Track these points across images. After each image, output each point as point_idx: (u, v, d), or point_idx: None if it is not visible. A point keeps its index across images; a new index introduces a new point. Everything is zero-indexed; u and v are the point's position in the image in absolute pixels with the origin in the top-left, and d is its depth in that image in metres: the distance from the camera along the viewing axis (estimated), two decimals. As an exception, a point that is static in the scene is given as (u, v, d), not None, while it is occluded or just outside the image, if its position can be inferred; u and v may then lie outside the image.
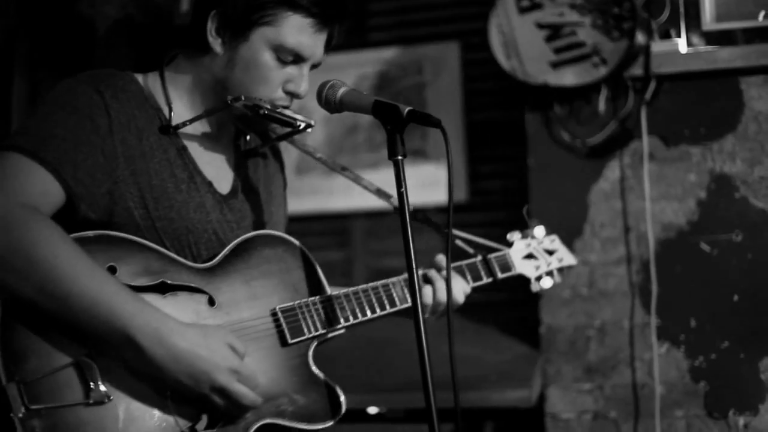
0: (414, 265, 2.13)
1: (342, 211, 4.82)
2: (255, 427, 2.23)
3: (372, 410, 4.14)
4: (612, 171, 4.07)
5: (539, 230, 2.90)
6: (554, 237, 2.94)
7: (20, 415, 2.02)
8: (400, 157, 2.16)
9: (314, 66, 2.39)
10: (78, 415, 2.06)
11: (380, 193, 2.77)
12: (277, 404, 2.28)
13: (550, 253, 2.90)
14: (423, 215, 2.80)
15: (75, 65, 4.26)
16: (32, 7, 4.33)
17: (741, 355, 3.86)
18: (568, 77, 3.95)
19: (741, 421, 3.85)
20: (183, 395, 2.15)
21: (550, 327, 4.12)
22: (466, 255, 2.76)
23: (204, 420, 2.18)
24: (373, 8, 4.90)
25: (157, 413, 2.13)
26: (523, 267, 2.82)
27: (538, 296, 4.13)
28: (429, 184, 4.68)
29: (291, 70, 2.35)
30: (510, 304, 4.39)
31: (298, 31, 2.31)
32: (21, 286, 2.04)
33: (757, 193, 3.88)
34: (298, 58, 2.34)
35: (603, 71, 3.88)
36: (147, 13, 4.49)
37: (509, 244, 2.84)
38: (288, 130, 2.43)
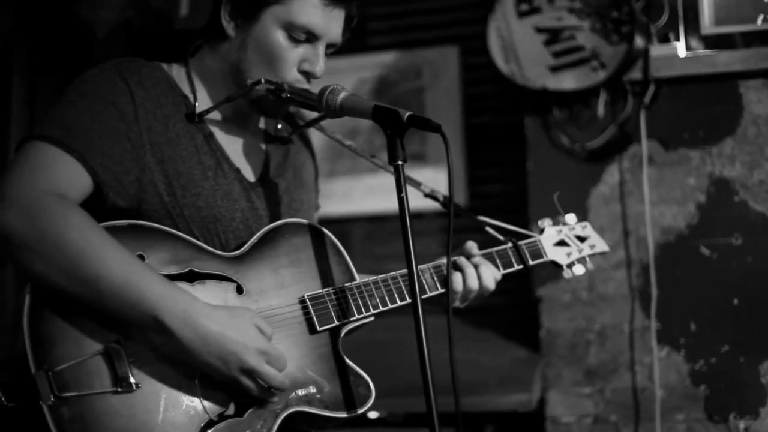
0: (415, 269, 2.13)
1: (341, 215, 4.82)
2: (284, 414, 2.22)
3: (372, 415, 4.14)
4: (611, 175, 4.07)
5: (570, 217, 2.88)
6: (586, 224, 2.91)
7: (49, 402, 2.02)
8: (400, 162, 2.16)
9: (330, 46, 2.39)
10: (107, 403, 2.06)
11: (411, 180, 2.75)
12: (306, 392, 2.28)
13: (582, 240, 2.87)
14: (455, 204, 2.77)
15: (74, 69, 4.25)
16: (31, 10, 4.32)
17: (741, 358, 3.86)
18: (567, 81, 3.95)
19: (741, 424, 3.85)
20: (211, 382, 2.15)
21: (550, 331, 4.12)
22: (496, 242, 2.72)
23: (232, 408, 2.18)
24: (373, 12, 4.90)
25: (185, 401, 2.13)
26: (554, 254, 2.79)
27: (538, 300, 4.13)
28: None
29: (305, 49, 2.34)
30: (510, 308, 4.39)
31: (309, 8, 2.31)
32: (50, 272, 2.05)
33: (756, 197, 3.88)
34: (311, 37, 2.33)
35: (602, 75, 3.88)
36: (146, 17, 4.49)
37: (540, 231, 2.81)
38: (315, 115, 2.42)
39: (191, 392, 2.14)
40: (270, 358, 2.16)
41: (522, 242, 2.73)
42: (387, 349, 4.01)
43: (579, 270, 2.83)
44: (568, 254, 2.82)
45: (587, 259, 2.87)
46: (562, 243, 2.82)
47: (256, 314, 2.20)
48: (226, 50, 2.37)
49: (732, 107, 3.92)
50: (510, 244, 2.71)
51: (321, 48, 2.36)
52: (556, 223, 2.85)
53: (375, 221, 4.80)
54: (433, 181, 4.64)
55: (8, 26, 4.29)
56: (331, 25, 2.35)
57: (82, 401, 2.05)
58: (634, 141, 4.03)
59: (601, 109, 4.07)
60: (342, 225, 4.89)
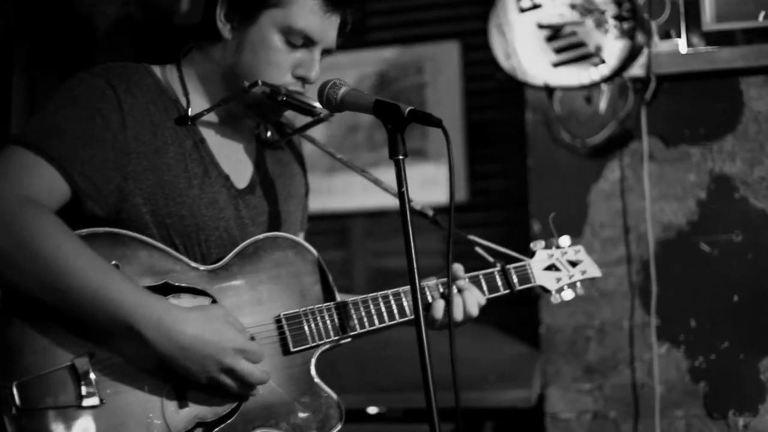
0: (415, 265, 2.13)
1: (341, 211, 4.82)
2: None
3: (372, 410, 4.14)
4: (612, 171, 4.07)
5: (564, 240, 2.81)
6: (579, 248, 2.85)
7: (11, 414, 2.01)
8: (401, 157, 2.15)
9: (326, 52, 2.37)
10: (69, 418, 2.05)
11: (403, 195, 2.74)
12: (275, 413, 2.26)
13: (574, 264, 2.81)
14: (435, 218, 2.76)
15: (75, 64, 4.25)
16: (32, 5, 4.32)
17: (741, 355, 3.86)
18: (569, 77, 3.94)
19: (741, 421, 3.85)
20: (178, 401, 2.14)
21: (549, 327, 4.12)
22: (485, 262, 2.68)
23: (198, 429, 2.16)
24: (374, 8, 4.90)
25: (150, 419, 2.12)
26: (543, 279, 2.73)
27: (538, 296, 4.13)
28: (429, 183, 4.68)
29: (301, 54, 2.33)
30: (510, 304, 4.38)
31: (307, 12, 2.29)
32: (23, 279, 2.04)
33: (756, 194, 3.88)
34: (308, 42, 2.32)
35: (603, 71, 3.88)
36: (147, 12, 4.49)
37: (531, 254, 2.75)
38: (308, 120, 2.41)
39: (156, 410, 2.13)
40: (247, 355, 2.15)
41: (511, 266, 2.67)
42: (388, 344, 4.01)
43: (568, 295, 2.77)
44: (558, 279, 2.76)
45: (578, 284, 2.81)
46: (552, 267, 2.77)
47: (228, 311, 2.18)
48: (220, 52, 2.35)
49: (733, 104, 3.92)
50: (498, 267, 2.65)
51: (317, 53, 2.35)
52: (548, 246, 2.79)
53: (375, 217, 4.80)
54: (433, 177, 4.68)
55: (9, 21, 4.29)
56: (328, 30, 2.34)
57: (45, 414, 2.04)
58: (634, 137, 4.03)
59: (602, 106, 4.07)
60: (342, 221, 4.89)
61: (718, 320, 3.90)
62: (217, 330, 2.12)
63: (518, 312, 4.35)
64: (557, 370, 4.10)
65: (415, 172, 4.60)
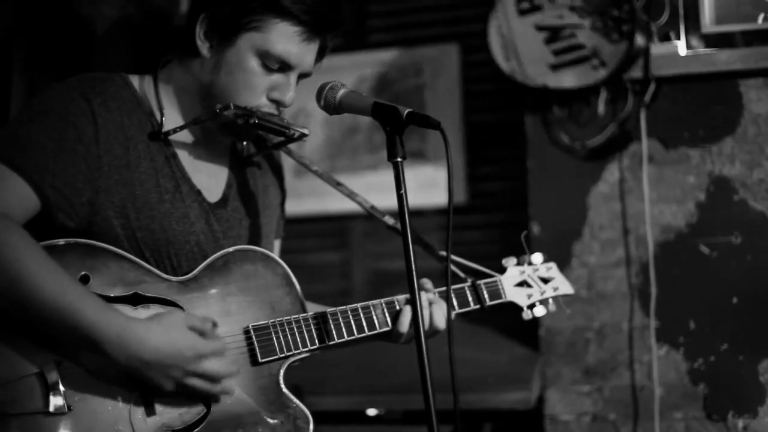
0: (413, 267, 2.13)
1: (340, 213, 4.81)
2: None
3: (370, 412, 4.14)
4: (611, 173, 4.07)
5: (537, 257, 2.82)
6: (551, 265, 2.86)
7: None
8: (399, 159, 2.15)
9: (303, 75, 2.37)
10: (38, 424, 2.05)
11: (374, 210, 2.74)
12: (243, 423, 2.26)
13: (546, 281, 2.82)
14: (419, 238, 2.75)
15: (74, 65, 4.25)
16: (31, 6, 4.32)
17: (740, 357, 3.86)
18: (568, 79, 3.95)
19: (740, 423, 3.85)
20: (145, 408, 2.14)
21: (549, 329, 4.12)
22: (457, 277, 2.68)
23: None
24: (373, 10, 4.90)
25: (118, 426, 2.12)
26: (513, 294, 2.75)
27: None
28: (428, 185, 4.67)
29: (277, 77, 2.32)
30: (509, 306, 4.38)
31: (285, 38, 2.28)
32: None
33: (756, 196, 3.88)
34: (284, 66, 2.31)
35: (602, 73, 3.88)
36: (146, 14, 4.48)
37: (503, 270, 2.77)
38: (281, 138, 2.41)
39: (123, 418, 2.13)
40: (210, 355, 2.15)
41: (481, 282, 2.68)
42: (386, 346, 4.00)
43: (540, 311, 2.78)
44: (529, 296, 2.77)
45: (550, 300, 2.82)
46: (523, 283, 2.78)
47: (188, 313, 2.19)
48: (197, 69, 2.35)
49: (732, 106, 3.92)
50: (469, 283, 2.66)
51: (293, 77, 2.34)
52: (520, 263, 2.80)
53: (374, 219, 4.79)
54: (432, 179, 4.67)
55: (8, 22, 4.29)
56: (306, 56, 2.33)
57: (14, 421, 2.04)
58: (634, 139, 4.03)
59: (601, 108, 4.07)
60: (340, 222, 4.89)
61: (717, 322, 3.90)
62: (175, 339, 2.11)
63: (518, 314, 4.34)
64: (557, 372, 4.10)
65: (414, 175, 4.59)
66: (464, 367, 3.82)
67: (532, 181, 4.17)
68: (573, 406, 4.08)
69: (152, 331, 2.10)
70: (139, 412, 2.14)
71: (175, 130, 2.33)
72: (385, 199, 4.53)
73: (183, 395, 2.16)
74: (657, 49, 3.93)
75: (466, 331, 4.32)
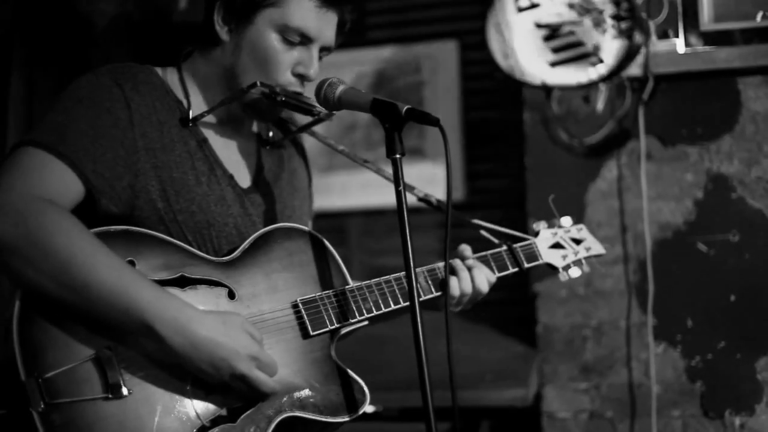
0: (412, 263, 2.13)
1: (339, 210, 4.81)
2: (278, 420, 2.21)
3: (368, 409, 4.13)
4: (609, 170, 4.07)
5: (566, 220, 2.85)
6: (582, 226, 2.89)
7: (39, 409, 2.01)
8: (398, 156, 2.16)
9: (324, 50, 2.38)
10: (98, 410, 2.06)
11: (408, 187, 2.75)
12: (300, 397, 2.27)
13: (578, 242, 2.84)
14: (443, 203, 2.77)
15: (72, 63, 4.25)
16: (29, 4, 4.31)
17: (737, 355, 3.86)
18: (566, 77, 3.95)
19: (737, 421, 3.85)
20: (204, 387, 2.15)
21: (546, 326, 4.12)
22: (491, 245, 2.70)
23: (225, 412, 2.17)
24: (372, 7, 4.90)
25: (177, 406, 2.12)
26: (549, 256, 2.77)
27: (535, 295, 4.13)
28: (427, 182, 4.65)
29: (299, 52, 2.34)
30: (507, 303, 4.39)
31: (303, 10, 2.31)
32: (39, 277, 2.04)
33: (754, 194, 3.88)
34: (305, 39, 2.33)
35: (601, 71, 3.88)
36: (145, 11, 4.48)
37: (535, 234, 2.79)
38: (308, 120, 2.42)
39: (183, 397, 2.14)
40: (261, 364, 2.16)
41: (517, 245, 2.71)
42: (384, 343, 4.01)
43: (575, 272, 2.81)
44: (564, 257, 2.79)
45: (583, 261, 2.84)
46: (557, 245, 2.80)
47: (246, 320, 2.19)
48: (219, 55, 2.37)
49: (730, 104, 3.92)
50: (505, 247, 2.68)
51: (315, 51, 2.36)
52: (551, 225, 2.83)
53: (372, 216, 4.80)
54: (431, 176, 4.67)
55: (6, 19, 4.29)
56: (325, 27, 2.35)
57: (73, 408, 2.04)
58: (632, 137, 4.03)
59: (599, 105, 4.07)
60: (339, 219, 4.89)
61: (714, 320, 3.91)
62: (233, 335, 2.13)
63: (515, 311, 4.35)
64: (554, 370, 4.10)
65: (412, 171, 4.56)
66: (462, 364, 3.83)
67: (531, 179, 4.17)
68: (570, 404, 4.09)
69: (209, 321, 2.11)
70: (198, 391, 2.15)
71: (203, 114, 2.35)
72: (383, 197, 4.54)
73: (227, 391, 2.17)
74: (656, 46, 3.93)
75: (464, 329, 4.32)
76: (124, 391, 2.08)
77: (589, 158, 4.09)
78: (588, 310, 4.08)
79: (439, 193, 4.62)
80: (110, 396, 2.07)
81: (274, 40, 2.32)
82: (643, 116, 3.99)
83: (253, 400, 2.19)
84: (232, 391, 2.17)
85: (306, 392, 2.28)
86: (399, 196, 2.15)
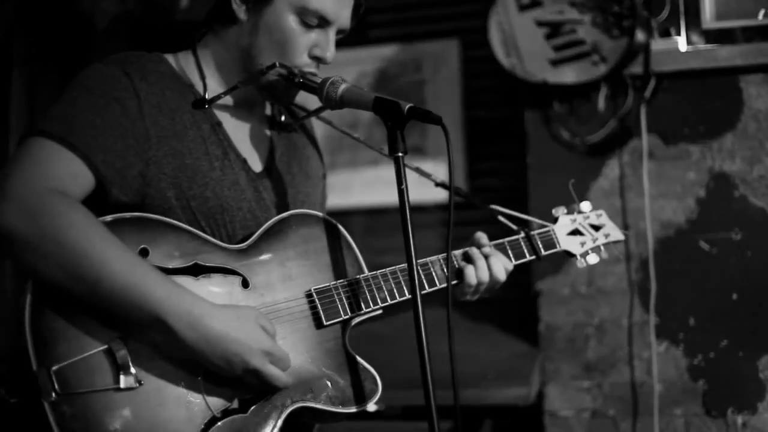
0: (414, 261, 2.13)
1: (340, 208, 4.81)
2: (289, 410, 2.21)
3: (371, 407, 4.13)
4: (611, 169, 4.07)
5: (585, 205, 2.82)
6: (601, 212, 2.85)
7: (51, 399, 2.02)
8: (400, 154, 2.16)
9: (340, 32, 2.38)
10: (109, 400, 2.06)
11: (420, 171, 2.74)
12: (312, 387, 2.26)
13: (597, 228, 2.80)
14: (464, 191, 2.76)
15: (74, 61, 4.25)
16: (30, 2, 4.32)
17: (740, 353, 3.86)
18: (568, 75, 3.95)
19: (739, 419, 3.85)
20: (215, 378, 2.15)
21: (549, 325, 4.12)
22: (507, 233, 2.68)
23: (236, 403, 2.17)
24: (373, 5, 4.89)
25: (188, 397, 2.12)
26: (567, 244, 2.73)
27: (537, 294, 4.13)
28: (428, 181, 4.67)
29: (316, 35, 2.34)
30: (509, 302, 4.39)
31: None
32: (51, 270, 2.04)
33: (756, 192, 3.88)
34: (322, 22, 2.33)
35: (603, 69, 3.88)
36: (146, 9, 4.48)
37: (554, 220, 2.76)
38: (318, 105, 2.40)
39: (194, 388, 2.14)
40: (274, 359, 2.16)
41: (535, 232, 2.68)
42: (386, 341, 4.01)
43: (593, 259, 2.77)
44: (582, 243, 2.76)
45: (602, 248, 2.80)
46: (576, 232, 2.77)
47: (261, 313, 2.19)
48: (235, 35, 2.36)
49: (732, 102, 3.92)
50: (522, 234, 2.66)
51: (332, 33, 2.36)
52: (570, 211, 2.80)
53: (375, 214, 4.80)
54: (433, 174, 4.66)
55: (8, 17, 4.29)
56: (343, 10, 2.36)
57: (84, 398, 2.05)
58: (634, 135, 4.03)
59: (601, 103, 4.07)
60: (341, 218, 4.83)
61: (717, 318, 3.90)
62: (247, 330, 2.13)
63: (518, 309, 4.35)
64: (556, 368, 4.10)
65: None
66: (464, 363, 3.82)
67: (532, 177, 4.17)
68: (572, 402, 4.08)
69: (223, 315, 2.11)
70: (210, 382, 2.15)
71: (219, 96, 2.34)
72: (386, 195, 4.54)
73: (239, 385, 2.17)
74: (657, 44, 3.93)
75: (466, 327, 4.32)
76: (134, 382, 2.08)
77: (591, 156, 4.09)
78: (590, 309, 4.08)
79: (441, 192, 4.64)
80: (121, 387, 2.07)
81: (292, 21, 2.31)
82: (644, 114, 3.99)
83: (265, 392, 2.19)
84: (243, 383, 2.17)
85: (318, 382, 2.28)
86: (401, 194, 2.15)
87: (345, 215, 4.86)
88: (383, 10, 4.90)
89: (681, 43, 3.93)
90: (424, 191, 4.78)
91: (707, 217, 3.94)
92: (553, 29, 3.95)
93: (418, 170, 2.72)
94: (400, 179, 2.15)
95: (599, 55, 3.88)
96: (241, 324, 2.12)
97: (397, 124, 2.16)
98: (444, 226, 4.55)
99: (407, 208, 2.14)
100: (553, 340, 4.11)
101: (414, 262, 2.13)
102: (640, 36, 3.85)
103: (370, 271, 2.43)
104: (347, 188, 4.75)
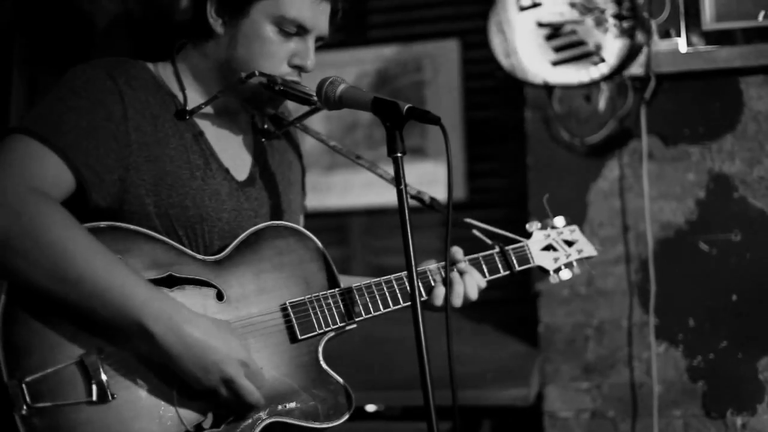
0: (413, 261, 2.12)
1: (340, 209, 4.81)
2: (262, 425, 2.21)
3: (370, 408, 4.14)
4: (611, 170, 4.07)
5: (559, 220, 2.82)
6: (574, 227, 2.86)
7: (22, 412, 2.00)
8: (399, 155, 2.15)
9: (319, 39, 2.37)
10: (81, 414, 2.04)
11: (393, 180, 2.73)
12: (285, 402, 2.26)
13: (570, 244, 2.81)
14: (438, 203, 2.77)
15: (74, 60, 4.25)
16: (30, 2, 4.32)
17: (739, 354, 3.86)
18: (568, 76, 3.94)
19: (739, 420, 3.85)
20: (189, 393, 2.14)
21: (548, 326, 4.12)
22: (484, 246, 2.68)
23: (210, 419, 2.16)
24: (373, 6, 4.89)
25: (161, 411, 2.11)
26: (541, 259, 2.73)
27: (536, 295, 4.13)
28: (428, 182, 4.66)
29: (295, 44, 2.33)
30: (508, 303, 4.39)
31: (298, 1, 2.29)
32: (31, 271, 2.02)
33: (755, 193, 3.88)
34: (301, 30, 2.32)
35: (603, 70, 3.88)
36: (146, 8, 4.48)
37: (528, 235, 2.76)
38: (305, 110, 2.40)
39: (168, 402, 2.12)
40: (249, 372, 2.15)
41: (509, 247, 2.68)
42: (385, 342, 4.01)
43: (566, 275, 2.78)
44: (556, 259, 2.76)
45: (574, 263, 2.81)
46: (549, 247, 2.77)
47: (235, 329, 2.19)
48: (213, 49, 2.35)
49: (732, 103, 3.92)
50: (497, 249, 2.66)
51: (311, 41, 2.35)
52: (544, 227, 2.80)
53: (374, 214, 4.80)
54: (432, 175, 4.67)
55: (8, 17, 4.29)
56: (320, 18, 2.34)
57: (56, 412, 2.03)
58: (634, 136, 4.03)
59: (601, 105, 4.07)
60: (341, 218, 4.89)
61: (716, 319, 3.90)
62: (225, 338, 2.12)
63: (517, 310, 4.35)
64: (556, 369, 4.10)
65: (413, 170, 4.58)
66: (463, 364, 3.83)
67: (532, 178, 4.17)
68: (572, 403, 4.08)
69: (203, 323, 2.11)
70: (183, 395, 2.13)
71: (199, 107, 2.33)
72: (386, 195, 4.54)
73: (212, 396, 2.15)
74: (657, 46, 3.93)
75: (466, 328, 4.32)
76: (108, 395, 2.06)
77: (591, 158, 4.09)
78: (590, 310, 4.08)
79: (440, 193, 4.64)
80: (94, 400, 2.05)
81: (270, 31, 2.30)
82: (644, 115, 3.99)
83: (238, 407, 2.18)
84: (217, 398, 2.15)
85: (291, 398, 2.27)
86: (400, 195, 2.14)
87: (344, 215, 4.87)
88: (383, 10, 4.90)
89: (681, 44, 3.93)
90: (424, 191, 4.78)
91: (707, 218, 3.94)
92: (553, 30, 3.95)
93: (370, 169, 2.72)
94: (399, 180, 2.14)
95: (599, 56, 3.88)
96: (220, 332, 2.12)
97: (396, 124, 2.15)
98: (443, 226, 4.55)
99: (406, 208, 2.14)
100: (552, 340, 4.11)
101: (413, 262, 2.12)
102: (640, 37, 3.85)
103: (346, 281, 2.42)
104: (347, 189, 4.75)
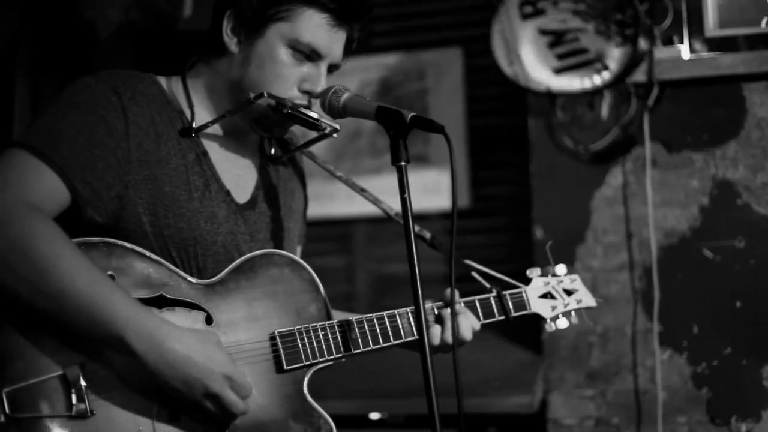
0: (417, 271, 2.11)
1: (344, 217, 4.82)
2: None
3: (374, 416, 4.14)
4: (614, 177, 4.07)
5: (560, 268, 2.78)
6: (575, 276, 2.83)
7: (1, 420, 2.00)
8: (403, 163, 2.14)
9: (332, 67, 2.37)
10: (59, 428, 2.04)
11: (399, 217, 2.73)
12: (267, 431, 2.24)
13: (569, 293, 2.78)
14: (438, 241, 2.76)
15: (77, 70, 4.26)
16: (34, 11, 4.33)
17: (743, 361, 3.86)
18: (571, 83, 3.95)
19: (743, 427, 3.85)
20: (169, 411, 2.13)
21: (552, 333, 4.11)
22: (481, 285, 2.66)
23: None
24: (377, 14, 4.89)
25: (140, 429, 2.10)
26: (538, 306, 2.70)
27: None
28: (431, 190, 4.68)
29: (307, 68, 2.32)
30: (531, 317, 4.38)
31: (314, 26, 2.29)
32: (16, 283, 2.02)
33: (759, 200, 3.88)
34: (314, 55, 2.31)
35: (606, 77, 3.88)
36: (149, 18, 4.49)
37: (527, 281, 2.72)
38: (313, 135, 2.39)
39: (148, 420, 2.11)
40: (234, 385, 2.13)
41: (507, 292, 2.64)
42: (389, 350, 4.01)
43: (562, 324, 2.75)
44: (553, 307, 2.73)
45: (572, 313, 2.79)
46: (548, 295, 2.74)
47: (220, 341, 2.17)
48: (225, 66, 2.34)
49: (735, 110, 3.92)
50: (494, 293, 2.62)
51: (323, 67, 2.34)
52: (544, 274, 2.76)
53: (378, 222, 4.80)
54: (436, 183, 4.68)
55: (12, 27, 4.30)
56: (335, 45, 2.34)
57: (34, 423, 2.03)
58: (637, 143, 4.03)
59: (604, 112, 4.07)
60: (345, 226, 4.89)
61: (720, 326, 3.90)
62: (209, 353, 2.10)
63: (521, 317, 4.34)
64: (560, 376, 4.10)
65: (417, 179, 4.60)
66: (468, 371, 3.82)
67: (536, 185, 4.17)
68: (576, 410, 4.08)
69: (186, 338, 2.09)
70: (162, 417, 2.12)
71: (206, 125, 2.32)
72: (389, 203, 4.54)
73: (197, 411, 2.14)
74: (660, 52, 3.93)
75: (470, 335, 4.31)
76: (86, 411, 2.05)
77: (594, 165, 4.09)
78: (594, 317, 4.07)
79: (444, 201, 4.64)
80: (73, 415, 2.04)
81: (283, 54, 2.29)
82: (648, 122, 3.99)
83: (222, 422, 2.17)
84: (197, 415, 2.14)
85: (271, 428, 2.24)
86: (404, 203, 2.14)
87: (348, 223, 4.87)
88: (387, 19, 4.91)
89: (684, 51, 3.93)
90: (427, 199, 4.80)
91: (710, 225, 3.94)
92: (556, 38, 3.95)
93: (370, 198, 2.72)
94: (403, 188, 2.14)
95: (602, 63, 3.88)
96: (203, 347, 2.10)
97: (400, 133, 2.15)
98: (447, 234, 4.55)
99: (411, 216, 2.14)
100: (556, 348, 4.11)
101: (417, 271, 2.11)
102: (643, 44, 3.86)
103: (339, 315, 2.41)
104: (350, 197, 4.73)
